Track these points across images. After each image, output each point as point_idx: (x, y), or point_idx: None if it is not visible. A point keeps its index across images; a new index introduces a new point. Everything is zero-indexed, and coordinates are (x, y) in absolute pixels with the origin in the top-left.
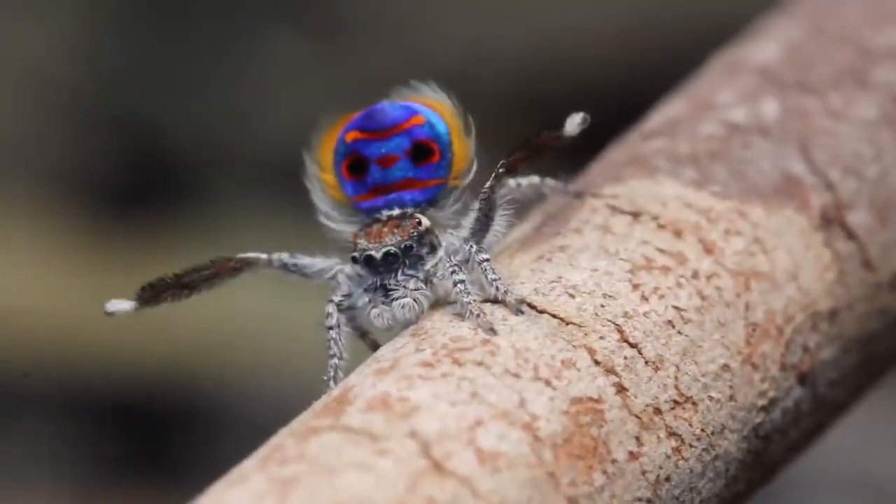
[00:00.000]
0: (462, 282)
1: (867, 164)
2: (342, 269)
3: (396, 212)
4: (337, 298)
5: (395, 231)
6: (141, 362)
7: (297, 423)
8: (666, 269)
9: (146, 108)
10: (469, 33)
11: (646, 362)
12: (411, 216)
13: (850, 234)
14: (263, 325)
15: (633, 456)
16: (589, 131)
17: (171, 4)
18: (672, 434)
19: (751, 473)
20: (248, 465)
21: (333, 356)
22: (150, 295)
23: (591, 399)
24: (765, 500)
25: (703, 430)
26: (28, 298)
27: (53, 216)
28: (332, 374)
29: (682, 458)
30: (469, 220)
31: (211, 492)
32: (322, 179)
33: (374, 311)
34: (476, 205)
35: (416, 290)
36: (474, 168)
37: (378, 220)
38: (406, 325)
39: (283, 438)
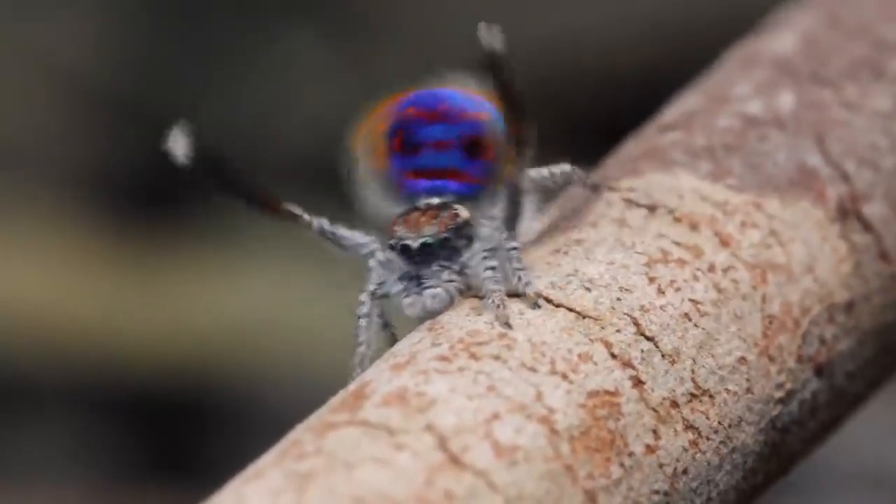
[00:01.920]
0: (493, 268)
1: (883, 155)
2: (376, 254)
3: (437, 201)
4: (371, 287)
5: (434, 221)
6: (158, 360)
7: (314, 419)
8: (682, 262)
9: (170, 108)
10: None
11: (662, 355)
12: (451, 207)
13: (867, 226)
14: (282, 321)
15: (650, 449)
16: (606, 125)
17: (196, 3)
18: (689, 427)
19: (768, 465)
20: (266, 460)
21: (361, 344)
22: (206, 159)
23: (607, 392)
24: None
25: (720, 422)
26: (47, 294)
27: (75, 213)
28: (357, 361)
29: (700, 450)
30: (500, 209)
31: (228, 487)
32: (369, 148)
33: (407, 300)
34: (508, 193)
35: (448, 281)
36: (524, 177)
37: (417, 209)
38: (439, 313)
39: (300, 434)
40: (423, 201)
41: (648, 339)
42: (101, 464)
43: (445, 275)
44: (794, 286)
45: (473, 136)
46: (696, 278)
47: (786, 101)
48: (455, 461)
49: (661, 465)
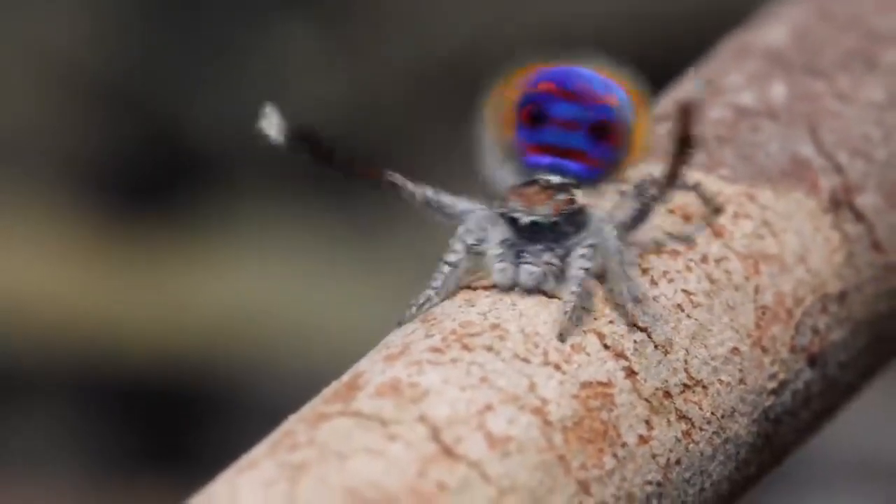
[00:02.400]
0: (586, 269)
1: (876, 146)
2: (478, 212)
3: (556, 180)
4: (470, 241)
5: (549, 202)
6: (151, 351)
7: (307, 409)
8: (675, 253)
9: (165, 99)
10: (486, 23)
11: (655, 346)
12: (568, 190)
13: (859, 217)
14: (275, 312)
15: (643, 439)
16: None
17: None
18: (682, 417)
19: (761, 456)
20: (258, 451)
21: (434, 288)
22: (300, 135)
23: (600, 383)
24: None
25: (713, 413)
26: (40, 284)
27: (68, 203)
28: (421, 302)
29: (693, 441)
30: (625, 211)
31: (221, 478)
32: (498, 114)
33: (500, 265)
34: (637, 196)
35: (548, 263)
36: (644, 167)
37: (535, 183)
38: (525, 291)
39: (293, 424)
40: (542, 177)
41: (641, 329)
42: (94, 454)
43: (546, 256)
44: (786, 276)
45: (602, 120)
46: (688, 269)
47: (778, 92)
48: (448, 452)
49: (654, 456)
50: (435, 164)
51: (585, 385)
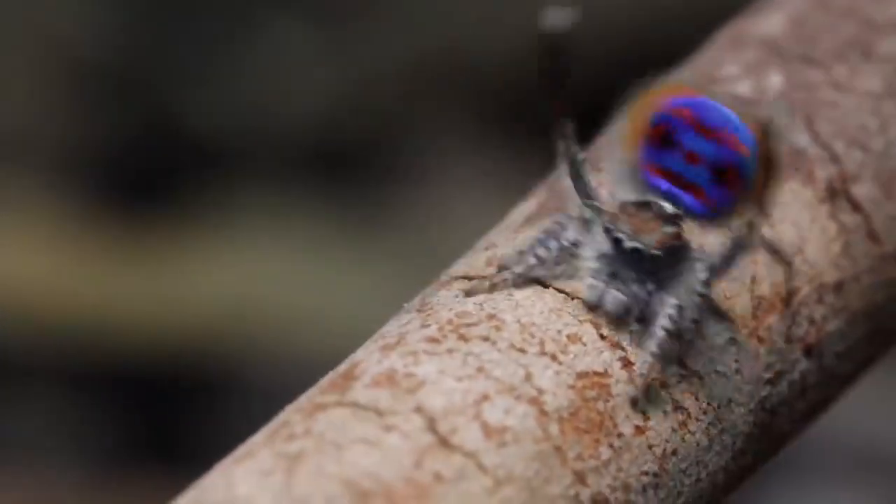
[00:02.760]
0: (668, 331)
1: (872, 136)
2: (588, 214)
3: (668, 210)
4: (566, 242)
5: (656, 232)
6: (148, 341)
7: (303, 400)
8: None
9: (162, 90)
10: (480, 19)
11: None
12: (678, 225)
13: (856, 207)
14: (271, 302)
15: (639, 430)
16: (596, 106)
17: None
18: (678, 408)
19: (758, 446)
20: (255, 441)
21: (514, 273)
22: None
23: (597, 373)
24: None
25: (709, 403)
26: (36, 274)
27: (65, 193)
28: (495, 282)
29: (689, 431)
30: (719, 250)
31: (217, 468)
32: (632, 124)
33: (592, 281)
34: (730, 237)
35: (634, 294)
36: (757, 223)
37: (649, 207)
38: (606, 315)
39: (289, 414)
40: (657, 201)
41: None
42: (90, 444)
43: (636, 287)
44: (783, 267)
45: (726, 162)
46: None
47: (775, 81)
48: (444, 443)
49: (650, 446)
50: (429, 158)
51: (582, 375)
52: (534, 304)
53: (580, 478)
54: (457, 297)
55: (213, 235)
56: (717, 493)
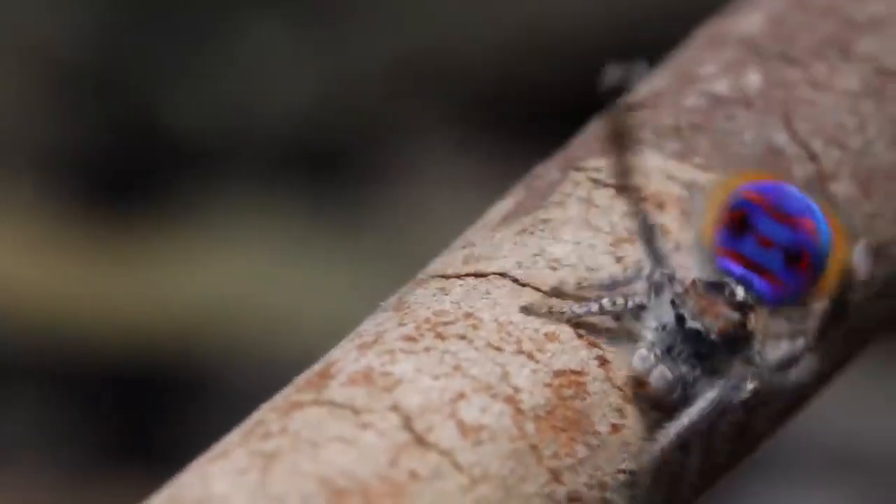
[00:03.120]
0: (704, 408)
1: (850, 134)
2: (660, 285)
3: (741, 295)
4: (632, 304)
5: (721, 318)
6: (125, 340)
7: (279, 398)
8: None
9: (142, 89)
10: (460, 20)
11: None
12: (746, 313)
13: (834, 205)
14: (248, 301)
15: (615, 428)
16: (573, 105)
17: None
18: (656, 406)
19: (734, 445)
20: (230, 439)
21: (574, 313)
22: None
23: (573, 372)
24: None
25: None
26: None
27: (45, 193)
28: (583, 313)
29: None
30: (779, 351)
31: (193, 466)
32: (710, 206)
33: (643, 351)
34: (792, 336)
35: (685, 371)
36: (826, 307)
37: (720, 290)
38: (648, 395)
39: (265, 413)
40: (730, 283)
41: (615, 318)
42: (67, 442)
43: (685, 368)
44: None
45: (799, 247)
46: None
47: (753, 80)
48: (420, 441)
49: (626, 445)
50: (407, 158)
51: (558, 374)
52: (511, 303)
53: (556, 476)
54: (434, 295)
55: (194, 236)
56: (693, 491)
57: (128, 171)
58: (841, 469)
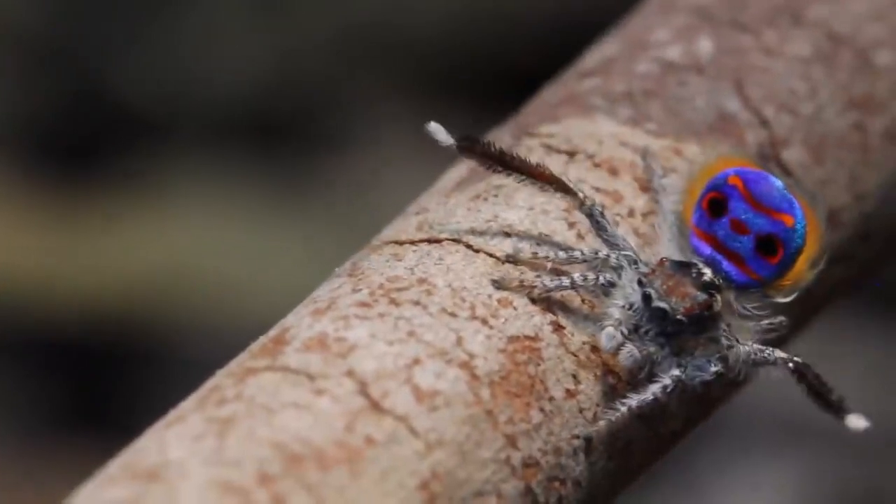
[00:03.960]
0: (676, 376)
1: (802, 101)
2: (623, 262)
3: (707, 276)
4: (602, 280)
5: (687, 299)
6: (79, 308)
7: (234, 364)
8: (603, 208)
9: (95, 57)
10: None
11: (582, 300)
12: (713, 294)
13: (786, 171)
14: (203, 269)
15: (570, 394)
16: (525, 72)
17: None
18: (609, 372)
19: (688, 411)
20: (186, 405)
21: (545, 286)
22: (469, 146)
23: (527, 337)
24: (704, 438)
25: (640, 367)
26: None
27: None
28: (554, 287)
29: (620, 395)
30: (750, 350)
31: (149, 433)
32: (690, 188)
33: (611, 329)
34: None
35: (653, 351)
36: (795, 294)
37: (688, 269)
38: (621, 370)
39: (220, 379)
40: (698, 264)
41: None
42: (23, 410)
43: (653, 347)
44: None
45: (770, 234)
46: (615, 223)
47: (705, 46)
48: (376, 406)
49: (581, 410)
50: (360, 125)
51: (513, 339)
52: (465, 269)
53: (511, 442)
54: (388, 261)
55: (146, 204)
56: (648, 457)
57: (78, 140)
58: (793, 438)
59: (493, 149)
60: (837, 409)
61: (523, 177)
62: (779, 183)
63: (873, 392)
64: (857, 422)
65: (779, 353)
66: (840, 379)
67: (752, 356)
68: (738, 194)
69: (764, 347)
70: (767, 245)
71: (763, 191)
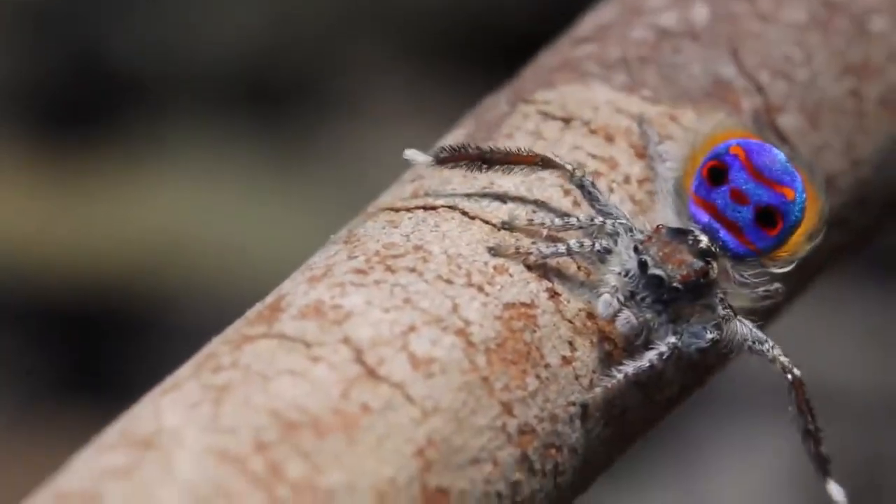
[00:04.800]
0: (661, 356)
1: (797, 67)
2: (619, 229)
3: (703, 243)
4: (598, 247)
5: (682, 266)
6: (76, 274)
7: (230, 331)
8: (598, 174)
9: (90, 23)
10: None
11: (578, 267)
12: (709, 261)
13: (782, 137)
14: (199, 235)
15: (566, 361)
16: (520, 38)
17: None
18: (606, 339)
19: (684, 378)
20: (182, 372)
21: (541, 252)
22: (448, 157)
23: (523, 304)
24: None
25: (637, 334)
26: None
27: None
28: (549, 254)
29: (617, 362)
30: (747, 326)
31: (145, 399)
32: (692, 155)
33: (608, 296)
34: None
35: (649, 318)
36: (792, 266)
37: (684, 236)
38: (618, 336)
39: (216, 346)
40: (694, 231)
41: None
42: (20, 377)
43: (650, 314)
44: None
45: (770, 206)
46: (611, 190)
47: (700, 12)
48: (371, 374)
49: (577, 377)
50: (357, 92)
51: (508, 306)
52: (461, 236)
53: (507, 409)
54: (383, 228)
55: (143, 170)
56: (643, 424)
57: (75, 106)
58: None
59: (471, 151)
60: (821, 463)
61: (510, 166)
62: (781, 156)
63: (872, 357)
64: (836, 493)
65: (779, 355)
66: (839, 345)
67: (750, 345)
68: (739, 164)
69: (764, 338)
70: (767, 217)
71: (765, 163)
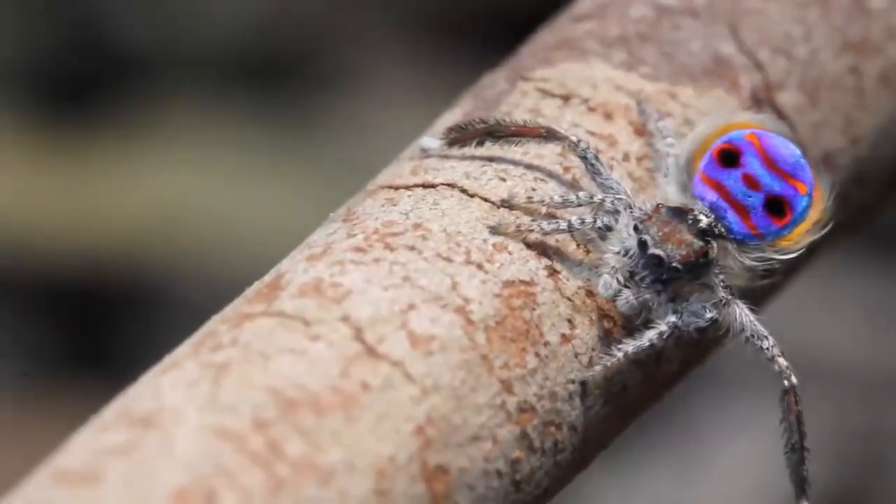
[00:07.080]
0: (672, 325)
1: (796, 44)
2: (620, 208)
3: (703, 223)
4: (600, 224)
5: (682, 246)
6: (75, 252)
7: (229, 310)
8: (597, 152)
9: (91, 4)
10: None
11: (577, 245)
12: (709, 241)
13: (781, 114)
14: (198, 213)
15: (565, 338)
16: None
17: None
18: (605, 316)
19: (684, 354)
20: (181, 351)
21: (542, 229)
22: (458, 137)
23: (523, 282)
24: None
25: (637, 314)
26: None
27: None
28: (550, 230)
29: (616, 339)
30: (744, 311)
31: (145, 378)
32: (704, 137)
33: (607, 277)
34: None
35: (647, 297)
36: (793, 255)
37: (686, 215)
38: (618, 315)
39: (215, 325)
40: (698, 210)
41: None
42: (19, 355)
43: (649, 294)
44: None
45: (781, 196)
46: (611, 167)
47: None
48: (371, 352)
49: (576, 355)
50: (356, 69)
51: (508, 284)
52: (459, 214)
53: (507, 387)
54: (383, 206)
55: (143, 147)
56: (644, 400)
57: (75, 82)
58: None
59: (478, 126)
60: (799, 483)
61: (517, 138)
62: (797, 150)
63: (872, 332)
64: None
65: (779, 356)
66: (839, 320)
67: (748, 336)
68: (753, 150)
69: (765, 334)
70: (777, 206)
71: (780, 154)
